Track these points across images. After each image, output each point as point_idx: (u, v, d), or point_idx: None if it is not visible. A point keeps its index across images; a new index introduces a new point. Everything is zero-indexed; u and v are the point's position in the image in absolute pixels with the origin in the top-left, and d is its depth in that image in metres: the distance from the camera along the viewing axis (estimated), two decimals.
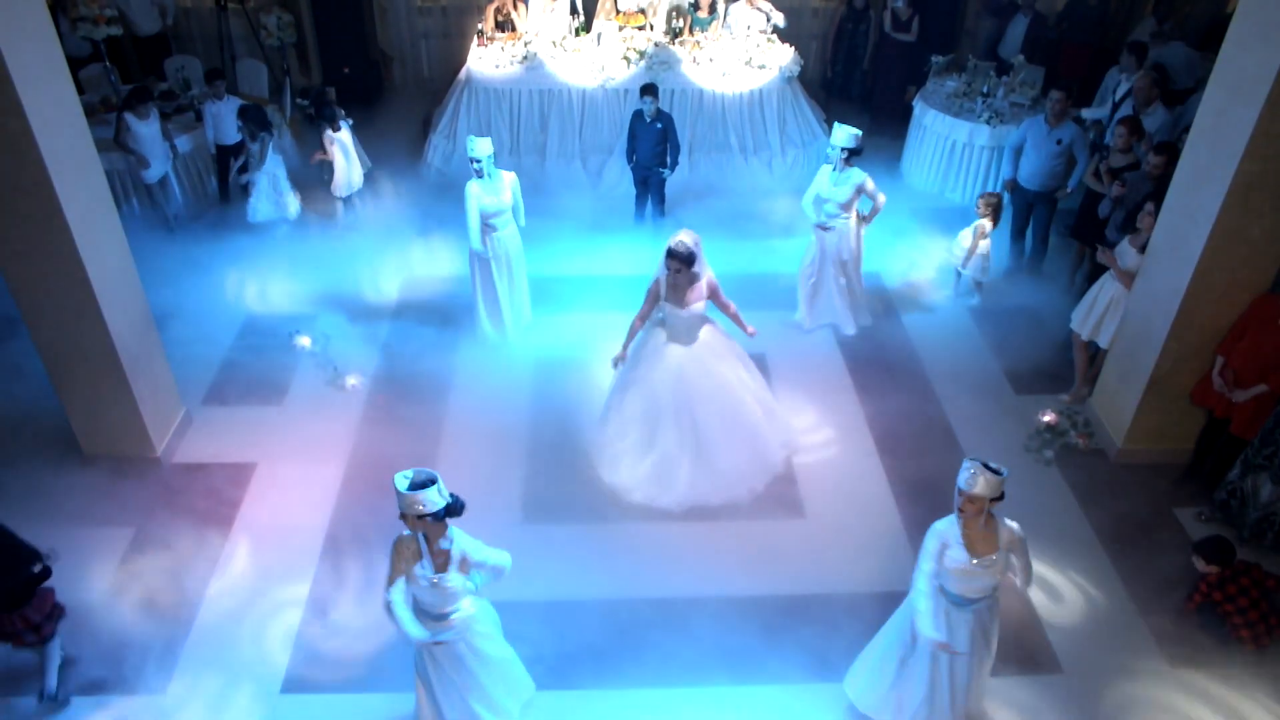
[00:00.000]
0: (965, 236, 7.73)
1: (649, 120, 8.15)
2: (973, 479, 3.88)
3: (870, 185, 7.05)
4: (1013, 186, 8.04)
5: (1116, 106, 8.18)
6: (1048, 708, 4.84)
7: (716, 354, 5.89)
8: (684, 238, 5.46)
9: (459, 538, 4.01)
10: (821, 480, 6.17)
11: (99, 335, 5.59)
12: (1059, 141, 7.59)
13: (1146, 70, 8.11)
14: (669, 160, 8.34)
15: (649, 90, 8.13)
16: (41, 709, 4.69)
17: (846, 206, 7.08)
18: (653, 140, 8.24)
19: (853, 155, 6.92)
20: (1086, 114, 8.62)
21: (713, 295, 5.68)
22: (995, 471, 3.88)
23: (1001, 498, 3.95)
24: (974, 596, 4.11)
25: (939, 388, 6.97)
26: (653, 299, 5.69)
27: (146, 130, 8.11)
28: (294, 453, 6.30)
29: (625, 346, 5.81)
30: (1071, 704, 4.87)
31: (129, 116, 8.00)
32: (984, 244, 7.61)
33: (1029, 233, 8.24)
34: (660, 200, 8.72)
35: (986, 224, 7.56)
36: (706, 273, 5.60)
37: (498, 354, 7.20)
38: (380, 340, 7.36)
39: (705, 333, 5.82)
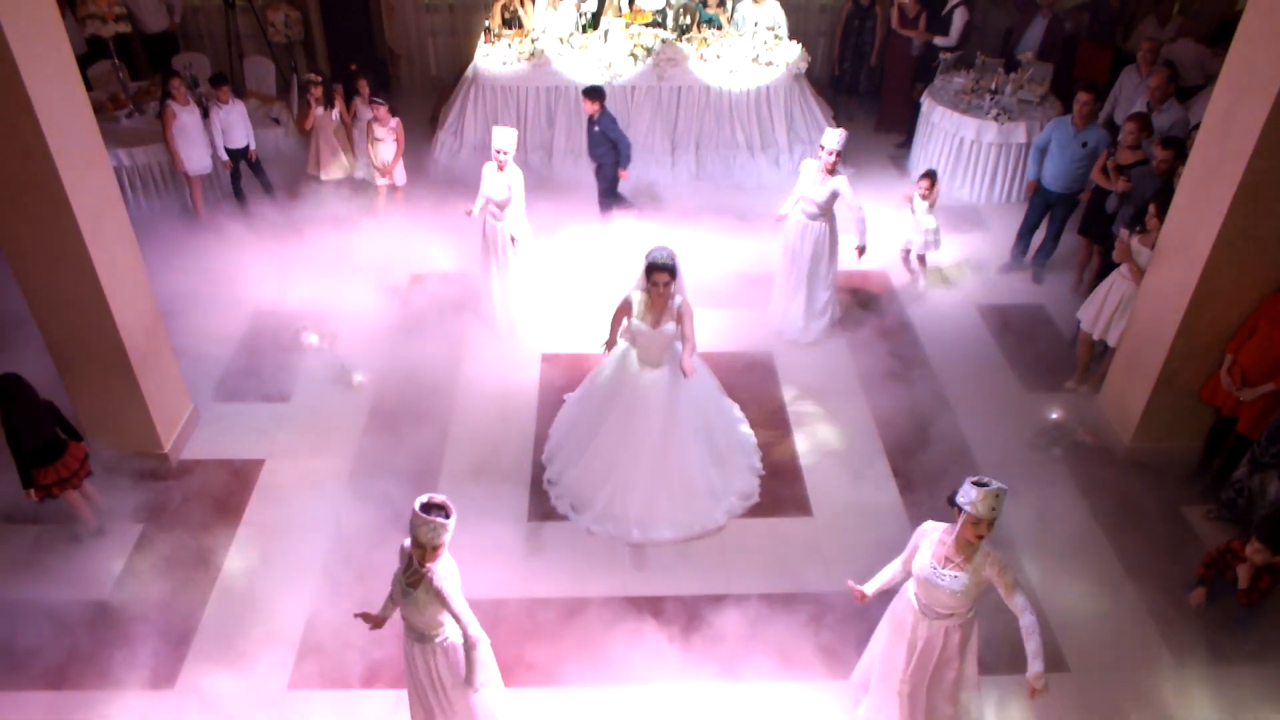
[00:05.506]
0: (921, 220, 7.73)
1: (592, 123, 8.08)
2: (985, 502, 3.59)
3: (849, 196, 6.82)
4: (1035, 188, 7.93)
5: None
6: (1055, 706, 4.80)
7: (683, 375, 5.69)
8: (666, 250, 5.28)
9: (446, 567, 3.80)
10: (829, 478, 6.17)
11: (107, 332, 5.61)
12: (1085, 144, 7.45)
13: (1160, 67, 8.06)
14: (620, 158, 8.14)
15: (588, 93, 7.97)
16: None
17: (824, 208, 6.95)
18: (593, 142, 8.17)
19: (838, 160, 6.78)
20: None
21: (680, 319, 5.41)
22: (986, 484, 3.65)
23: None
24: (940, 611, 3.98)
25: (947, 385, 6.96)
26: (623, 314, 5.51)
27: (189, 118, 8.23)
28: (301, 450, 6.33)
29: (613, 334, 5.63)
30: (1078, 703, 4.86)
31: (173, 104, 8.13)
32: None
33: (1035, 231, 8.18)
34: (608, 195, 8.48)
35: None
36: (683, 294, 5.42)
37: (505, 350, 7.21)
38: (387, 337, 7.37)
39: (673, 353, 5.59)
